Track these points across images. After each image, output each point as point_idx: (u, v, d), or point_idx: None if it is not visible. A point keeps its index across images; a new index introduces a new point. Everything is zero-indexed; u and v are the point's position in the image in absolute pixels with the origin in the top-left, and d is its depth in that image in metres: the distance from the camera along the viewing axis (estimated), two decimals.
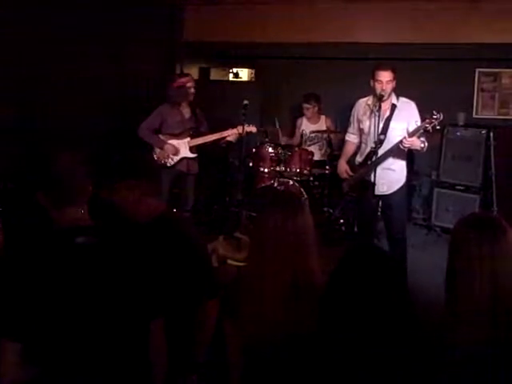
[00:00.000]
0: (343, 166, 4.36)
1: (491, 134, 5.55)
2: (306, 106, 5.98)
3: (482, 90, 6.25)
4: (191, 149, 4.92)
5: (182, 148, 4.89)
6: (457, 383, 1.46)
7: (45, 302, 1.57)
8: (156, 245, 1.93)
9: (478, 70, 6.21)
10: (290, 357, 1.67)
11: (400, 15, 6.16)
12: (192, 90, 4.86)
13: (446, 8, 5.95)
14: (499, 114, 6.22)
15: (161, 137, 4.87)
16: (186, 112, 4.95)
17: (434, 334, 1.53)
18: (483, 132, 5.63)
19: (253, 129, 4.95)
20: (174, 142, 4.85)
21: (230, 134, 4.90)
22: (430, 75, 6.05)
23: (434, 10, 6.01)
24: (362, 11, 6.30)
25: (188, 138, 4.89)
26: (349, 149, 4.43)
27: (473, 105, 6.25)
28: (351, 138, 4.40)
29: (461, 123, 5.85)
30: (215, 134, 4.93)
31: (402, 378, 1.43)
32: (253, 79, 8.14)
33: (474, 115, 6.24)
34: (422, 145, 3.94)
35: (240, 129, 4.87)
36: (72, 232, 1.68)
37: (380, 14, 6.23)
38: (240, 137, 4.93)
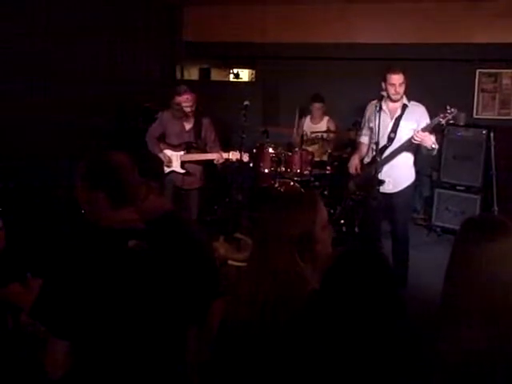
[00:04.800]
0: (355, 162, 4.38)
1: (492, 135, 5.54)
2: (316, 105, 5.88)
3: (483, 91, 6.26)
4: (182, 164, 4.61)
5: (174, 161, 4.58)
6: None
7: (94, 302, 1.60)
8: (163, 242, 1.94)
9: (478, 70, 6.21)
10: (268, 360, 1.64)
11: (400, 15, 6.17)
12: (188, 110, 4.49)
13: (447, 8, 5.96)
14: (500, 115, 6.22)
15: (161, 145, 4.60)
16: (188, 124, 4.63)
17: (431, 333, 1.52)
18: (484, 132, 5.61)
19: (245, 158, 4.79)
20: (168, 152, 4.58)
21: (221, 159, 4.62)
22: (431, 75, 6.04)
23: (434, 11, 6.02)
24: (361, 11, 6.31)
25: (182, 152, 4.60)
26: (361, 149, 4.43)
27: (473, 105, 6.26)
28: (364, 139, 4.42)
29: (461, 123, 5.84)
30: (208, 155, 4.64)
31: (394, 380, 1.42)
32: (253, 79, 8.14)
33: (475, 115, 6.25)
34: (434, 145, 3.92)
35: (236, 154, 4.68)
36: (125, 234, 1.70)
37: (380, 14, 6.24)
38: (232, 162, 4.73)
